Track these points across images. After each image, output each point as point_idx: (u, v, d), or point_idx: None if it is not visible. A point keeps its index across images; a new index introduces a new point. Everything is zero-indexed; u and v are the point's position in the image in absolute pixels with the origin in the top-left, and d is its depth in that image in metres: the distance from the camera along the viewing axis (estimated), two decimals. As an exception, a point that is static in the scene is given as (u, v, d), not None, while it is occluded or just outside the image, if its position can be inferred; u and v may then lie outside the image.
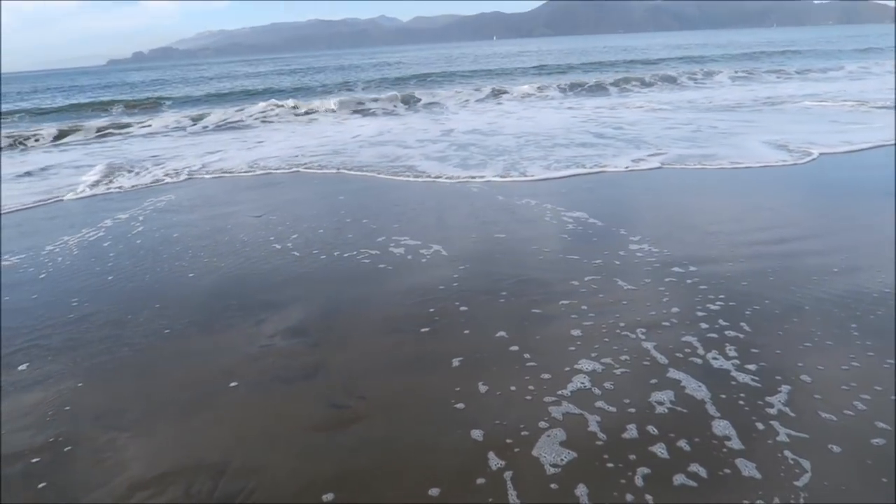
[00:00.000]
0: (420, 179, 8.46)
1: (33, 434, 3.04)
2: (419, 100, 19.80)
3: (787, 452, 2.56)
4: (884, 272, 4.31)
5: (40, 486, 2.68)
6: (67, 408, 3.25)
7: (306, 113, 17.96)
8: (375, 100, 20.03)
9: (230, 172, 9.88)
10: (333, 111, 18.15)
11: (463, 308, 4.16)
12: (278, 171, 9.66)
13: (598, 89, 22.23)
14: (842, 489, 2.34)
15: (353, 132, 14.11)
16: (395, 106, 19.20)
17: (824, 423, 2.73)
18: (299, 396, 3.24)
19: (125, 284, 4.99)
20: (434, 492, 2.49)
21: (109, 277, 5.16)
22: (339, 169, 9.46)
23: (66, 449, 2.91)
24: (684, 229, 5.57)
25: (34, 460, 2.84)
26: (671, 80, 23.02)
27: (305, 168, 9.79)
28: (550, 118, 14.68)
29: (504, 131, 12.61)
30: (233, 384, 3.37)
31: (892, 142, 9.18)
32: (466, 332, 3.83)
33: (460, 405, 3.06)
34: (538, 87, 21.62)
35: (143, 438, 2.96)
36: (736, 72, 24.60)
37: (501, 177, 8.18)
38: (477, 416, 2.96)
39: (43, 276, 5.30)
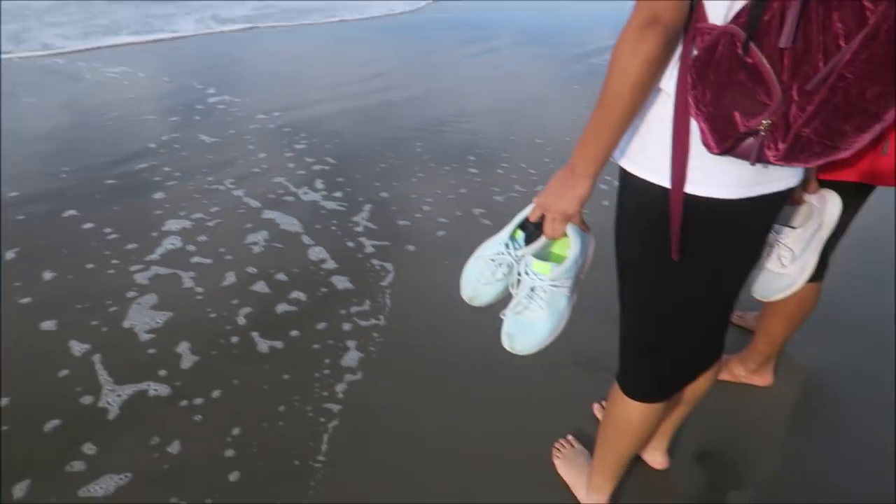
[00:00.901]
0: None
1: None
2: None
3: (374, 261, 2.82)
4: (451, 104, 4.96)
5: None
6: None
7: None
8: None
9: None
10: None
11: (13, 193, 3.35)
12: None
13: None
14: (417, 278, 2.71)
15: None
16: None
17: (400, 229, 3.08)
18: None
19: None
20: (4, 402, 2.04)
21: None
22: None
23: None
24: (269, 81, 5.43)
25: None
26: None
27: None
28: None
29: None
30: None
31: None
32: (21, 217, 3.12)
33: (25, 300, 2.52)
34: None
35: None
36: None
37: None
38: (47, 307, 2.48)
39: None
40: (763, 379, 2.11)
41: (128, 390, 2.07)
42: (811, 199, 1.48)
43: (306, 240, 2.96)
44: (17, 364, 2.18)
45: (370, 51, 6.66)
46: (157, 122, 4.31)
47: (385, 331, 2.36)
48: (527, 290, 1.25)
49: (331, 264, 2.77)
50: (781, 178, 1.08)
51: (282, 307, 2.49)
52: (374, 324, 2.39)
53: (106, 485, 1.71)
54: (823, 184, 1.48)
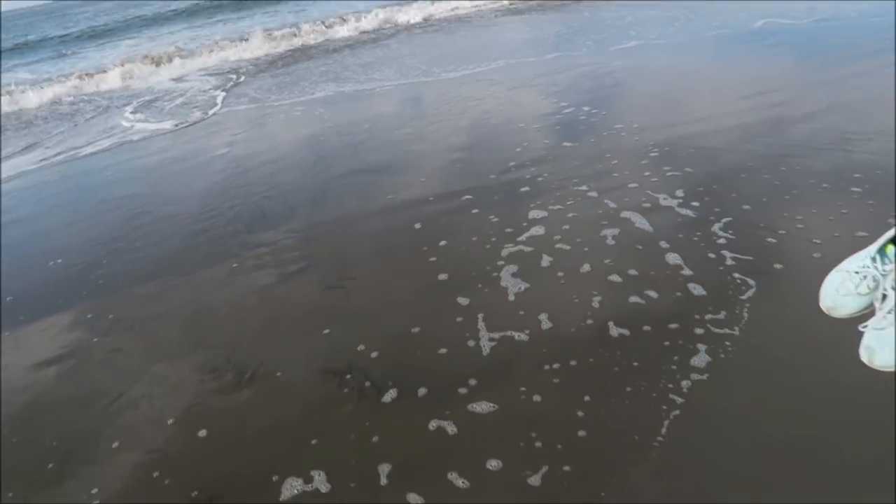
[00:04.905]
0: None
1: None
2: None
3: (735, 274, 2.75)
4: (851, 121, 4.46)
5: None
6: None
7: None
8: None
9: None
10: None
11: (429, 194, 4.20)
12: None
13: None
14: (781, 296, 2.56)
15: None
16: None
17: (768, 246, 2.92)
18: (296, 285, 3.29)
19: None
20: (416, 330, 2.68)
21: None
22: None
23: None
24: (649, 99, 5.61)
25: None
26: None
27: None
28: None
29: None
30: (231, 286, 3.39)
31: None
32: (437, 208, 3.92)
33: (433, 259, 3.23)
34: None
35: (155, 341, 3.03)
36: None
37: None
38: (445, 264, 3.14)
39: None
40: None
41: (497, 335, 2.50)
42: None
43: (663, 244, 3.03)
44: (423, 306, 2.81)
45: (768, 64, 6.11)
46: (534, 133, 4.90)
47: (738, 341, 2.32)
48: (892, 305, 1.17)
49: (687, 271, 2.80)
50: None
51: (634, 299, 2.64)
52: (728, 333, 2.36)
53: (482, 408, 2.13)
54: None
